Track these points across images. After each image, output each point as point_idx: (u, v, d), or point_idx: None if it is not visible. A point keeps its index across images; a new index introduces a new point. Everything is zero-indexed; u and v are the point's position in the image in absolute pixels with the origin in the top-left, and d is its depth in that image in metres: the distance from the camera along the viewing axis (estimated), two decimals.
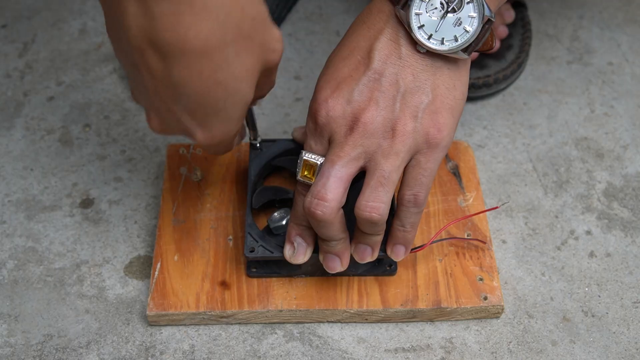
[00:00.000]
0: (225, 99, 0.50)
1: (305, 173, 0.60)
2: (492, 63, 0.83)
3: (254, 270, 0.67)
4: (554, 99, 0.83)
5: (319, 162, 0.59)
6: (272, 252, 0.65)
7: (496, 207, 0.70)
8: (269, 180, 0.73)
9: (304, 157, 0.60)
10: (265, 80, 0.55)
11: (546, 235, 0.73)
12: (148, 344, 0.66)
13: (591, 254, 0.71)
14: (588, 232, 0.73)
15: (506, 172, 0.77)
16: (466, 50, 0.58)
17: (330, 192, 0.58)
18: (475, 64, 0.82)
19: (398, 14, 0.58)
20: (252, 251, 0.65)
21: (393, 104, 0.58)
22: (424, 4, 0.57)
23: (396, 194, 0.64)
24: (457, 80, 0.59)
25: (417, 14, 0.57)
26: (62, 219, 0.74)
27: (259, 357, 0.65)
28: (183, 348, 0.66)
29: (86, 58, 0.88)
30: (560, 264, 0.71)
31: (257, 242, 0.65)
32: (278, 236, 0.67)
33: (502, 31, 0.84)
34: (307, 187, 0.60)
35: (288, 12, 0.91)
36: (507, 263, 0.71)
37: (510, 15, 0.86)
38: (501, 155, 0.79)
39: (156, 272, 0.68)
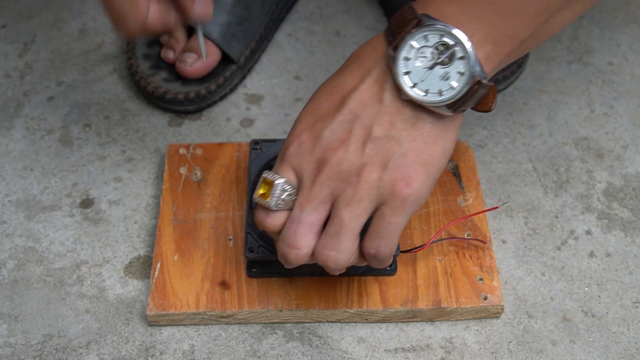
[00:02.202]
0: None
1: (262, 191, 0.57)
2: None
3: (254, 270, 0.67)
4: (554, 99, 0.83)
5: (276, 181, 0.56)
6: (272, 252, 0.65)
7: (496, 207, 0.70)
8: None
9: (264, 175, 0.57)
10: None
11: (546, 235, 0.73)
12: (148, 344, 0.66)
13: (591, 254, 0.71)
14: (588, 232, 0.73)
15: (506, 172, 0.77)
16: (451, 107, 0.54)
17: (301, 239, 0.56)
18: None
19: (388, 55, 0.55)
20: (252, 251, 0.65)
21: (362, 149, 0.55)
22: (413, 50, 0.54)
23: None
24: (439, 136, 0.56)
25: (406, 59, 0.54)
26: (62, 219, 0.74)
27: (259, 357, 0.65)
28: (183, 348, 0.66)
29: (86, 58, 0.88)
30: (560, 264, 0.71)
31: (257, 242, 0.65)
32: None
33: None
34: (262, 208, 0.58)
35: (288, 12, 0.91)
36: (507, 263, 0.71)
37: None
38: (501, 155, 0.79)
39: (156, 272, 0.68)
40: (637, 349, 0.66)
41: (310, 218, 0.56)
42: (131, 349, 0.66)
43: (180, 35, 0.83)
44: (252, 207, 0.69)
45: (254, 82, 0.85)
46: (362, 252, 0.58)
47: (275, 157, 0.71)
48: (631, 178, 0.77)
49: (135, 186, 0.76)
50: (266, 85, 0.85)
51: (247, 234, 0.66)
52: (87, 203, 0.75)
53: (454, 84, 0.54)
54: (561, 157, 0.78)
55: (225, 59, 0.83)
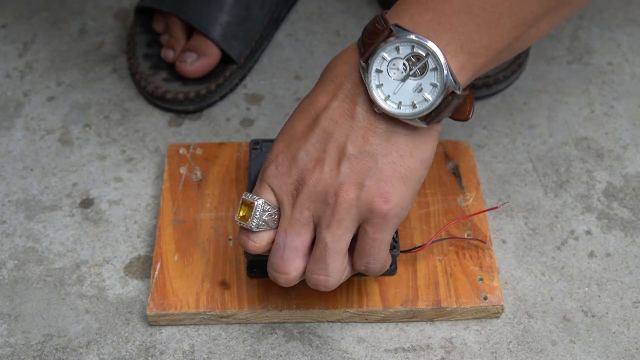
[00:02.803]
0: None
1: (243, 214, 0.57)
2: None
3: (254, 270, 0.67)
4: (554, 99, 0.83)
5: (256, 202, 0.56)
6: None
7: (496, 207, 0.70)
8: None
9: (243, 197, 0.57)
10: None
11: (546, 235, 0.73)
12: (148, 344, 0.66)
13: (591, 254, 0.71)
14: (588, 232, 0.73)
15: (506, 172, 0.77)
16: (425, 119, 0.54)
17: (288, 264, 0.56)
18: None
19: (360, 67, 0.54)
20: None
21: (338, 169, 0.54)
22: (385, 62, 0.53)
23: None
24: (415, 148, 0.55)
25: (378, 71, 0.53)
26: (62, 219, 0.74)
27: (259, 357, 0.65)
28: (183, 348, 0.66)
29: (86, 58, 0.88)
30: (560, 264, 0.71)
31: None
32: None
33: None
34: (244, 230, 0.58)
35: (288, 12, 0.91)
36: (507, 263, 0.71)
37: None
38: (501, 155, 0.79)
39: (156, 272, 0.68)
40: (637, 349, 0.66)
41: (294, 242, 0.56)
42: (131, 349, 0.66)
43: (180, 34, 0.83)
44: None
45: (254, 82, 0.85)
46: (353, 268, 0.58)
47: None
48: (631, 178, 0.77)
49: (135, 186, 0.76)
50: (266, 85, 0.85)
51: None
52: (87, 203, 0.75)
53: (427, 96, 0.53)
54: (561, 157, 0.78)
55: (225, 59, 0.83)
